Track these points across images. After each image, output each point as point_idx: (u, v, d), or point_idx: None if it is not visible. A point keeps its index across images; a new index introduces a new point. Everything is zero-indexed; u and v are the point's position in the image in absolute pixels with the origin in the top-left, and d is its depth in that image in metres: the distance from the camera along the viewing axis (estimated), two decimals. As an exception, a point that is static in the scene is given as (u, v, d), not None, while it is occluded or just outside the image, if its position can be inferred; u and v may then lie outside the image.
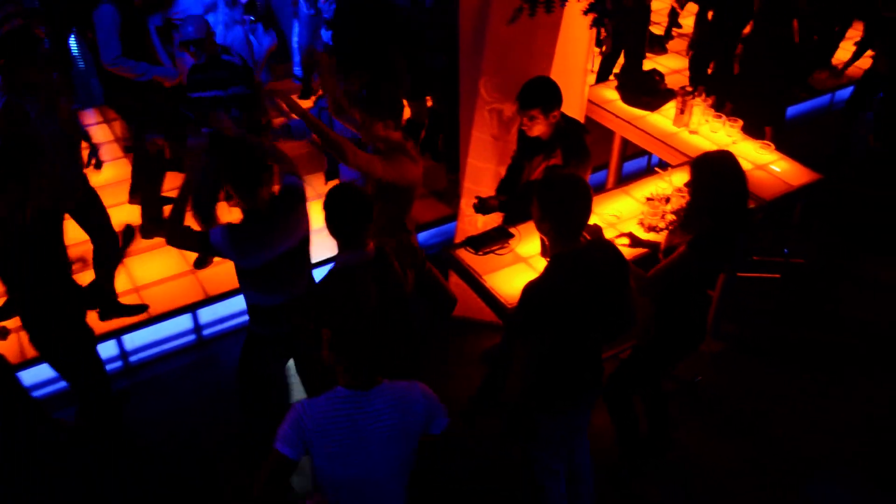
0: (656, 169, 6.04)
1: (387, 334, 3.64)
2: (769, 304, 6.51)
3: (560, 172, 4.26)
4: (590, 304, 3.67)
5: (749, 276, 6.64)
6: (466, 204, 6.05)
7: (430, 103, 7.81)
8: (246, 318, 4.83)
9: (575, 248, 3.67)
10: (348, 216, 3.83)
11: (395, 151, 4.70)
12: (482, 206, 5.13)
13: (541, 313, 3.63)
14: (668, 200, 5.26)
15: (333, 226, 3.86)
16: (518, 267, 4.83)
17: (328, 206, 3.83)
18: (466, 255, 4.93)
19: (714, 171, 4.00)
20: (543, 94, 4.67)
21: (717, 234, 4.04)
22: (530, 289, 3.64)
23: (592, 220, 4.32)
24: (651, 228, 5.05)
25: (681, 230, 4.35)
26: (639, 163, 8.03)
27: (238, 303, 6.38)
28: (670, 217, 5.08)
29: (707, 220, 4.00)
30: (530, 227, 4.83)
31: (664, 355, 4.57)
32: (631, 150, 7.31)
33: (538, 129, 4.72)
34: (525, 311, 3.65)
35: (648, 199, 5.33)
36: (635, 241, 4.75)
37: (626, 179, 6.91)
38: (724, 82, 7.55)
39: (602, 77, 8.66)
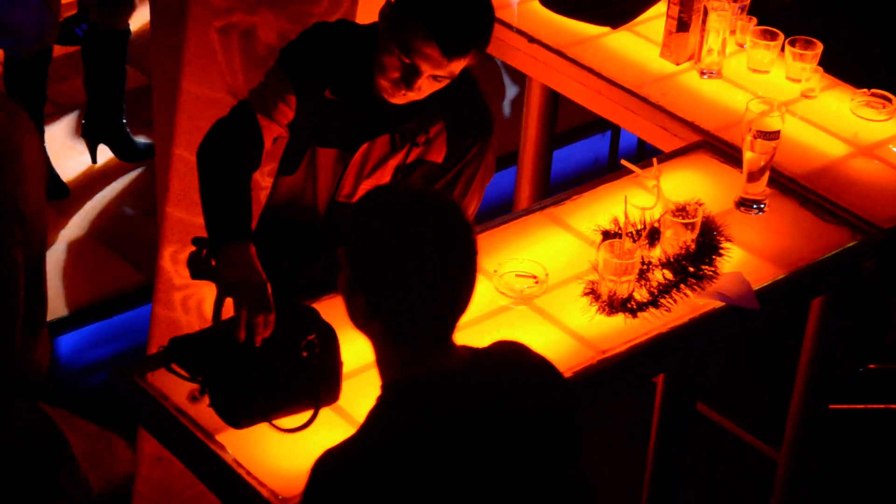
0: (624, 163, 4.47)
1: None
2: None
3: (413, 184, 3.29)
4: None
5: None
6: (173, 257, 4.23)
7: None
8: None
9: (445, 365, 2.38)
10: None
11: None
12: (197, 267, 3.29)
13: None
14: (652, 235, 3.82)
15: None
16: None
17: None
18: (173, 387, 3.24)
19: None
20: (482, 6, 3.10)
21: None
22: (326, 473, 2.27)
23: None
24: (618, 305, 3.55)
25: None
26: (588, 149, 6.42)
27: None
28: (662, 277, 3.63)
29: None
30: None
31: None
32: (566, 122, 5.60)
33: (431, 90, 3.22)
34: None
35: (607, 235, 3.89)
36: None
37: (558, 189, 5.02)
38: None
39: None
